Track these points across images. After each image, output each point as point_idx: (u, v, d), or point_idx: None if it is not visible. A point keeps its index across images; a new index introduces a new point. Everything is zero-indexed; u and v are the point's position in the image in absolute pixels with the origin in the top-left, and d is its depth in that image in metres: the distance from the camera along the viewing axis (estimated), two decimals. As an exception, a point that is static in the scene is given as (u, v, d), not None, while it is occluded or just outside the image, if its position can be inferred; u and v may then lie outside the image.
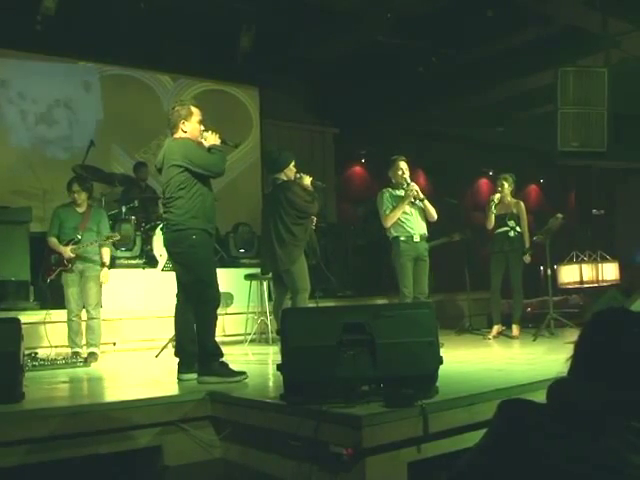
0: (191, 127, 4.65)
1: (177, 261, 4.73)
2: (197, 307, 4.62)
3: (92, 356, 5.96)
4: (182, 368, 4.59)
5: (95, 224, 6.29)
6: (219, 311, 7.50)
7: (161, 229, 7.49)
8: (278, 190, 5.68)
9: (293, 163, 5.78)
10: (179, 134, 4.67)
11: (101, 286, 6.31)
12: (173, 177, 4.54)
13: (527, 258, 7.19)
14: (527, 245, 7.20)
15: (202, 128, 4.71)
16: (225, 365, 4.53)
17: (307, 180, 5.85)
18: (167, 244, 4.77)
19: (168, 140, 4.76)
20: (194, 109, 4.69)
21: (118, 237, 6.53)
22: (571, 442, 1.24)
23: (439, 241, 8.03)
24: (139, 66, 10.09)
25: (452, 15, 8.71)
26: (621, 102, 7.81)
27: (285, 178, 5.73)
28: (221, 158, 4.68)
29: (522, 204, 7.32)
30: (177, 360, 4.67)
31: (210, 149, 4.67)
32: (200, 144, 4.68)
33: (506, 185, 7.28)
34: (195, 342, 4.75)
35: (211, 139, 4.69)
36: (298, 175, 5.80)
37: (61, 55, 9.36)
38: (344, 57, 10.16)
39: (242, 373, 4.44)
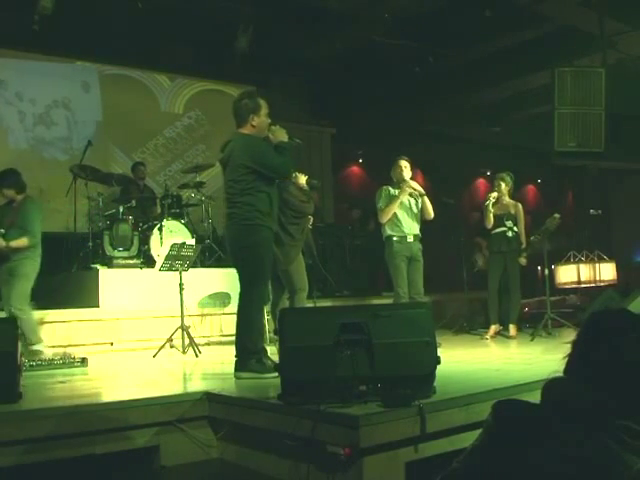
0: (259, 121, 4.55)
1: (239, 256, 4.57)
2: (243, 303, 4.53)
3: (36, 354, 5.60)
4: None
5: (22, 219, 5.91)
6: (217, 311, 7.59)
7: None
8: (274, 190, 5.66)
9: (288, 163, 5.75)
10: (248, 129, 4.56)
11: (28, 282, 5.84)
12: (240, 175, 4.46)
13: (522, 260, 7.17)
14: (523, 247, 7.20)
15: (269, 121, 4.62)
16: (262, 363, 4.50)
17: (302, 179, 5.82)
18: (231, 239, 4.62)
19: (237, 136, 4.61)
20: (262, 102, 4.58)
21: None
22: (566, 441, 1.24)
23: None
24: (137, 66, 10.09)
25: (450, 15, 8.73)
26: (618, 102, 7.82)
27: (280, 178, 5.71)
28: (289, 161, 4.61)
29: (520, 206, 7.28)
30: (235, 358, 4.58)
31: (277, 147, 4.58)
32: (267, 140, 4.60)
33: (503, 185, 7.23)
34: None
35: (279, 134, 4.61)
36: (293, 174, 5.78)
37: (59, 55, 9.35)
38: (342, 57, 10.17)
39: (275, 370, 4.16)
